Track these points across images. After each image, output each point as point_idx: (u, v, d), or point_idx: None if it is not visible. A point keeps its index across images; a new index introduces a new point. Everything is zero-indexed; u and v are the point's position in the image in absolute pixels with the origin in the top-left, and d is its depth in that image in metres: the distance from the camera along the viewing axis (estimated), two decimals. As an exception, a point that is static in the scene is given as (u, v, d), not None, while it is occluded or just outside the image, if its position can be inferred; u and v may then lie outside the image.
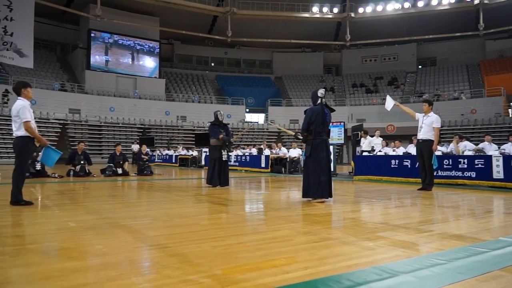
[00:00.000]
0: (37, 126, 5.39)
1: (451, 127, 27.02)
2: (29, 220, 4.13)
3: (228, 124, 9.01)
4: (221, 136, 8.09)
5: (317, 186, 5.51)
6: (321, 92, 5.76)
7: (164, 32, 34.60)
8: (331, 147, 12.16)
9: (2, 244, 2.97)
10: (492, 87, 29.27)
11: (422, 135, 7.46)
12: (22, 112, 4.97)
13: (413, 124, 7.79)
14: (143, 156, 13.33)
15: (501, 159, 7.87)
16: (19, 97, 5.19)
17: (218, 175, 8.06)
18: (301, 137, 5.94)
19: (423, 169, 7.50)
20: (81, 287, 1.99)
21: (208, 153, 8.53)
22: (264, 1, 32.18)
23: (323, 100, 5.75)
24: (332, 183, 5.86)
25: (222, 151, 8.15)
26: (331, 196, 5.63)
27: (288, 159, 14.54)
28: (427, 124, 7.41)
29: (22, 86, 5.21)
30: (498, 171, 7.84)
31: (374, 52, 39.36)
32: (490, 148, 9.66)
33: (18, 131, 5.00)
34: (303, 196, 5.71)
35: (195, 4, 30.62)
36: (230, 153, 8.42)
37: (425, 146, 7.39)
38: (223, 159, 8.12)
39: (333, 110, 5.97)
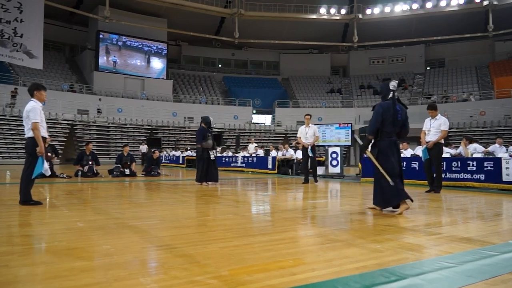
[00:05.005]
0: (46, 126, 5.42)
1: (460, 129, 26.78)
2: (38, 219, 4.16)
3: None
4: (203, 143, 9.08)
5: (384, 194, 4.72)
6: (393, 84, 4.84)
7: (172, 34, 34.78)
8: (338, 149, 12.27)
9: (12, 243, 3.00)
10: (502, 88, 28.96)
11: (430, 137, 7.42)
12: (33, 112, 5.01)
13: (421, 126, 7.73)
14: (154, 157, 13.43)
15: (510, 161, 7.78)
16: (31, 99, 5.22)
17: (206, 173, 9.06)
18: (361, 142, 5.68)
19: (431, 171, 7.46)
20: (89, 287, 2.01)
21: (196, 154, 9.71)
22: (272, 3, 32.19)
23: (396, 94, 4.86)
24: (402, 192, 4.70)
25: (210, 152, 9.15)
26: (398, 207, 4.71)
27: (295, 161, 14.52)
28: (435, 127, 7.38)
29: (35, 88, 5.26)
30: (507, 173, 7.75)
31: (382, 53, 39.20)
32: (500, 151, 9.55)
33: (30, 132, 5.03)
34: (374, 203, 4.97)
35: (203, 5, 30.74)
36: (217, 154, 9.81)
37: (434, 149, 7.34)
38: (211, 158, 9.16)
39: (406, 107, 5.05)
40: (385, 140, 4.80)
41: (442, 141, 7.55)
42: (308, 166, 9.78)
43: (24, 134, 5.18)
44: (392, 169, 4.71)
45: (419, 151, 10.54)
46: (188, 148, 23.11)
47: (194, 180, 9.49)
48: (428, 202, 6.06)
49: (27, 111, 5.05)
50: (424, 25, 33.36)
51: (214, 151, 9.30)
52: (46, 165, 5.15)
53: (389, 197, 4.70)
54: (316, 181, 9.92)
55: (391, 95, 4.81)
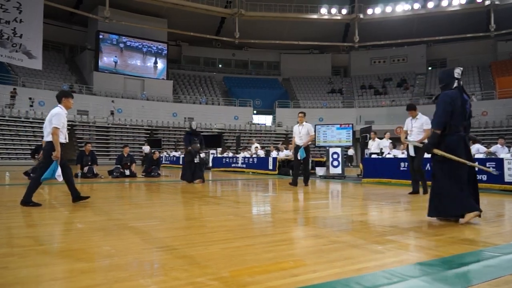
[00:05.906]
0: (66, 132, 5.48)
1: (461, 129, 26.74)
2: (38, 221, 4.16)
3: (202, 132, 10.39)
4: (189, 148, 9.82)
5: (455, 200, 3.95)
6: (457, 72, 4.22)
7: (172, 34, 34.80)
8: (339, 150, 12.23)
9: (11, 245, 2.99)
10: (504, 88, 28.94)
11: (413, 138, 7.33)
12: (56, 118, 5.11)
13: (423, 126, 7.71)
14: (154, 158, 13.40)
15: (512, 162, 7.76)
16: (58, 105, 5.32)
17: (192, 173, 9.74)
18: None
19: (413, 172, 7.36)
20: (89, 289, 1.99)
21: (184, 156, 10.37)
22: (272, 3, 32.19)
23: (461, 82, 4.21)
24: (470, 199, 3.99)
25: (194, 156, 9.82)
26: (478, 209, 3.95)
27: (295, 161, 14.48)
28: (417, 127, 7.24)
29: (63, 95, 5.39)
30: (510, 174, 7.72)
31: (383, 53, 39.19)
32: (502, 151, 9.52)
33: (49, 136, 5.13)
34: (430, 214, 4.13)
35: (203, 5, 30.76)
36: (203, 157, 10.41)
37: (416, 149, 7.25)
38: (195, 161, 9.82)
39: (469, 97, 4.40)
40: (453, 135, 4.03)
41: (426, 141, 7.45)
42: (298, 167, 9.11)
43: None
44: (463, 167, 3.95)
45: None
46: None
47: (194, 181, 9.55)
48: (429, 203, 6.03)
49: (52, 115, 5.15)
50: (425, 25, 33.34)
51: (198, 155, 9.91)
52: (59, 171, 5.22)
53: (444, 205, 3.99)
54: (306, 184, 9.06)
55: (456, 84, 4.18)
